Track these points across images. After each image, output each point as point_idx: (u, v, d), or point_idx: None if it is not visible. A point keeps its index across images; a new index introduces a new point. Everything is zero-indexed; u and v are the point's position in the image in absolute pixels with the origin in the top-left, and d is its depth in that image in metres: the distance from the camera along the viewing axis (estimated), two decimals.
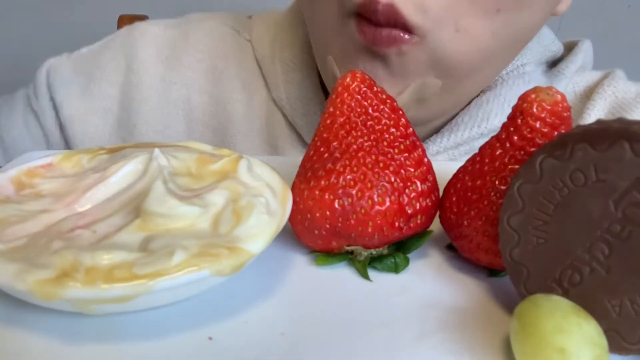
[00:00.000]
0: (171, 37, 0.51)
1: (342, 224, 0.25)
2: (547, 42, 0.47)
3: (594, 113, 0.45)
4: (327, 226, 0.25)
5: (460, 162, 0.27)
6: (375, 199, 0.24)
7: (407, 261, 0.26)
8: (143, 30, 0.51)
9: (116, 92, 0.50)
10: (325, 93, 0.45)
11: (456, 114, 0.44)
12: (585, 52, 0.47)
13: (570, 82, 0.47)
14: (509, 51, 0.39)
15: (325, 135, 0.26)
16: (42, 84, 0.50)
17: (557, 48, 0.48)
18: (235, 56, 0.50)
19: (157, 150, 0.26)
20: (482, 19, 0.34)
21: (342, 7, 0.35)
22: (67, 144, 0.51)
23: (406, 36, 0.33)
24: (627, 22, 0.89)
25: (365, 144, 0.25)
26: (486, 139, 0.42)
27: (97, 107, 0.50)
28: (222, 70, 0.49)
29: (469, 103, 0.44)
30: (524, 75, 0.44)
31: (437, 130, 0.44)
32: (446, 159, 0.43)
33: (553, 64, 0.48)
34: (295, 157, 0.44)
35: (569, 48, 0.49)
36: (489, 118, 0.42)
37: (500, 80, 0.43)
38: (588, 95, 0.47)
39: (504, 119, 0.42)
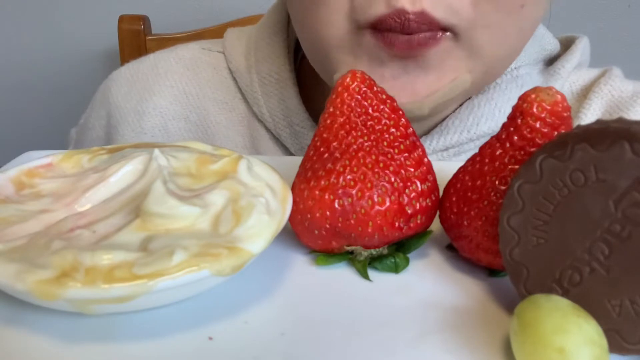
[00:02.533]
0: (140, 70, 0.51)
1: (342, 224, 0.25)
2: (543, 41, 0.47)
3: (591, 112, 0.45)
4: (327, 226, 0.25)
5: (460, 162, 0.27)
6: (375, 199, 0.24)
7: (407, 261, 0.26)
8: (114, 76, 0.52)
9: (103, 143, 0.51)
10: (307, 104, 0.45)
11: (447, 117, 0.44)
12: (582, 50, 0.47)
13: (567, 81, 0.47)
14: (525, 41, 0.39)
15: (325, 135, 0.26)
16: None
17: (553, 46, 0.47)
18: (208, 76, 0.49)
19: (156, 151, 0.26)
20: (509, 14, 0.34)
21: (352, 22, 0.34)
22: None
23: (443, 34, 0.33)
24: (627, 22, 0.89)
25: (365, 144, 0.25)
26: (475, 142, 0.43)
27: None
28: (196, 94, 0.49)
29: (460, 105, 0.44)
30: (517, 79, 0.43)
31: (426, 132, 0.44)
32: (435, 160, 0.43)
33: (550, 62, 0.48)
34: (290, 156, 0.44)
35: (566, 44, 0.48)
36: (479, 123, 0.42)
37: (494, 85, 0.43)
38: (585, 94, 0.46)
39: (494, 125, 0.42)
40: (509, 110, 0.42)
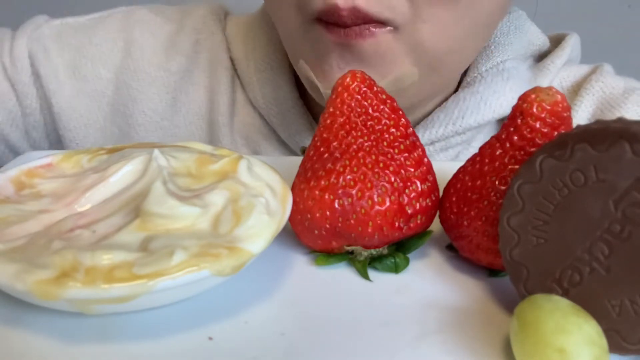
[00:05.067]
0: (169, 31, 0.49)
1: (342, 224, 0.25)
2: (531, 37, 0.47)
3: (582, 109, 0.45)
4: (327, 226, 0.25)
5: (460, 162, 0.27)
6: (375, 199, 0.24)
7: (407, 261, 0.26)
8: (143, 16, 0.50)
9: (111, 76, 0.48)
10: (300, 92, 0.45)
11: (432, 111, 0.44)
12: (572, 46, 0.47)
13: (557, 77, 0.47)
14: (478, 35, 0.39)
15: (325, 135, 0.26)
16: (22, 55, 0.47)
17: (541, 42, 0.47)
18: (222, 49, 0.49)
19: (156, 151, 0.26)
20: (446, 9, 0.34)
21: (302, 14, 0.35)
22: (55, 126, 0.48)
23: (379, 29, 0.34)
24: (626, 22, 0.89)
25: (365, 144, 0.25)
26: (462, 137, 0.43)
27: (90, 89, 0.48)
28: (216, 62, 0.48)
29: (446, 99, 0.44)
30: (502, 73, 0.43)
31: (412, 126, 0.44)
32: None
33: (540, 58, 0.48)
34: (289, 156, 0.44)
35: (557, 41, 0.48)
36: (464, 116, 0.42)
37: (479, 78, 0.43)
38: (575, 90, 0.46)
39: (480, 118, 0.43)
40: (494, 103, 0.43)
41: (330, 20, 0.34)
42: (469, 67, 0.45)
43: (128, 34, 0.49)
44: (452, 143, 0.43)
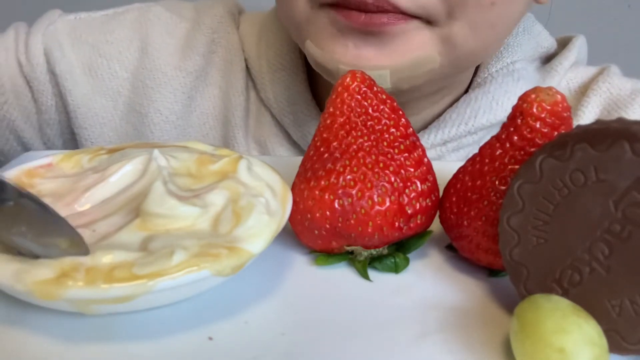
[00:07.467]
0: (185, 30, 0.49)
1: (342, 224, 0.25)
2: (539, 39, 0.47)
3: (588, 110, 0.45)
4: (327, 226, 0.25)
5: (460, 162, 0.27)
6: (375, 199, 0.24)
7: (407, 261, 0.26)
8: (159, 14, 0.49)
9: (127, 75, 0.47)
10: (313, 92, 0.45)
11: (442, 112, 0.44)
12: (579, 48, 0.47)
13: (564, 78, 0.47)
14: (503, 36, 0.39)
15: (325, 135, 0.26)
16: (38, 53, 0.46)
17: (549, 44, 0.48)
18: (237, 48, 0.49)
19: (156, 151, 0.26)
20: (479, 11, 0.34)
21: (311, 1, 0.35)
22: (69, 123, 0.48)
23: (410, 20, 0.33)
24: (627, 22, 0.89)
25: (365, 144, 0.25)
26: (474, 137, 0.43)
27: (106, 88, 0.47)
28: (232, 61, 0.48)
29: (457, 100, 0.44)
30: (513, 73, 0.44)
31: (424, 127, 0.44)
32: (434, 155, 0.43)
33: (547, 59, 0.48)
34: (290, 156, 0.44)
35: (563, 44, 0.48)
36: (476, 116, 0.43)
37: (490, 78, 0.44)
38: (583, 91, 0.46)
39: (492, 117, 0.43)
40: (506, 103, 0.43)
41: (348, 6, 0.33)
42: (478, 67, 0.45)
43: (144, 32, 0.48)
44: (463, 143, 0.43)
